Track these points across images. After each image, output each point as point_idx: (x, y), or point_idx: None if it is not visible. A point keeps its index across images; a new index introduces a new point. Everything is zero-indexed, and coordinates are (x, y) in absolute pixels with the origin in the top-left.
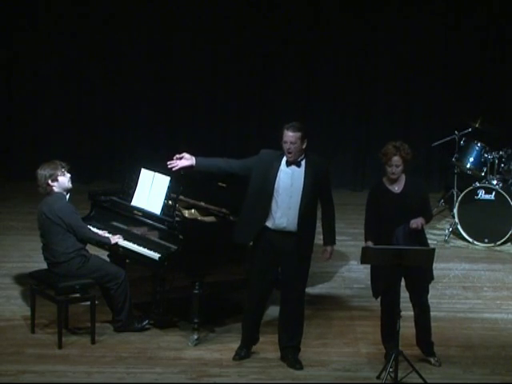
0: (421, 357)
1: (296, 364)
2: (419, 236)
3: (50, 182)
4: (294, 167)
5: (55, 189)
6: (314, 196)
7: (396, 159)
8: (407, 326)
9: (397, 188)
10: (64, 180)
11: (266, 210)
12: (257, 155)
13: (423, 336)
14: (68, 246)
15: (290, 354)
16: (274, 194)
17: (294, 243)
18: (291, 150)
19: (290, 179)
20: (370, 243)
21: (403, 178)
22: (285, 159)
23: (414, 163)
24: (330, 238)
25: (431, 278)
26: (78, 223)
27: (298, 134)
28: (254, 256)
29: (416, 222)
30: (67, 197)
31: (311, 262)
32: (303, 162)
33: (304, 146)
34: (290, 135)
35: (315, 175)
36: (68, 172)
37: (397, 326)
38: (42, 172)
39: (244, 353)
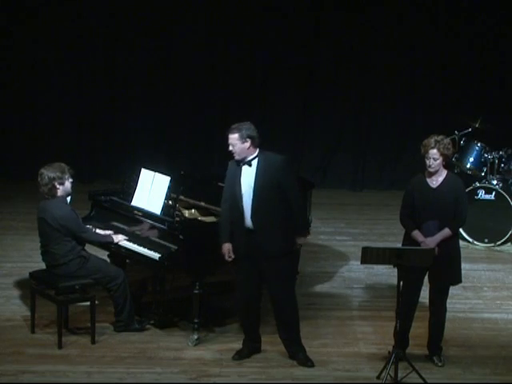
0: (421, 357)
1: (307, 362)
2: (451, 241)
3: (56, 185)
4: (246, 167)
5: (59, 192)
6: (271, 194)
7: (433, 152)
8: (412, 326)
9: (434, 183)
10: (68, 185)
11: (240, 212)
12: (227, 170)
13: (434, 339)
14: (67, 249)
15: (301, 352)
16: (242, 194)
17: (258, 242)
18: (233, 151)
19: (246, 178)
20: (416, 232)
21: (444, 173)
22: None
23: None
24: (298, 229)
25: (458, 281)
26: (80, 229)
27: (235, 136)
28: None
29: (428, 242)
30: (68, 199)
31: (311, 262)
32: (254, 162)
33: (247, 145)
34: (228, 137)
35: (268, 173)
36: (71, 177)
37: (397, 326)
38: (50, 174)
39: (244, 354)
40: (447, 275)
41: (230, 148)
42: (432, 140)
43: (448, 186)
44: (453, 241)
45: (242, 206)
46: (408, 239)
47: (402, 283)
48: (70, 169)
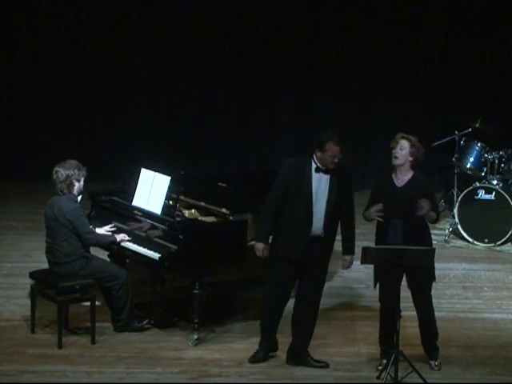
0: (421, 357)
1: (320, 362)
2: (422, 234)
3: (74, 181)
4: (321, 173)
5: (75, 189)
6: (338, 202)
7: (402, 142)
8: (407, 326)
9: (399, 182)
10: (82, 182)
11: (309, 218)
12: (284, 167)
13: (427, 338)
14: (72, 248)
15: (309, 356)
16: (313, 199)
17: (319, 248)
18: (336, 161)
19: (319, 185)
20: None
21: (410, 174)
22: (314, 165)
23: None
24: (350, 248)
25: (433, 278)
26: (84, 229)
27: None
28: (275, 261)
29: (420, 208)
30: (79, 198)
31: None
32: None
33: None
34: (336, 149)
35: (339, 182)
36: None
37: (397, 326)
38: (67, 171)
39: (261, 356)
40: (421, 274)
41: (336, 160)
42: (402, 134)
43: (413, 184)
44: (424, 238)
45: (312, 212)
46: (380, 236)
47: (379, 288)
48: (83, 167)
